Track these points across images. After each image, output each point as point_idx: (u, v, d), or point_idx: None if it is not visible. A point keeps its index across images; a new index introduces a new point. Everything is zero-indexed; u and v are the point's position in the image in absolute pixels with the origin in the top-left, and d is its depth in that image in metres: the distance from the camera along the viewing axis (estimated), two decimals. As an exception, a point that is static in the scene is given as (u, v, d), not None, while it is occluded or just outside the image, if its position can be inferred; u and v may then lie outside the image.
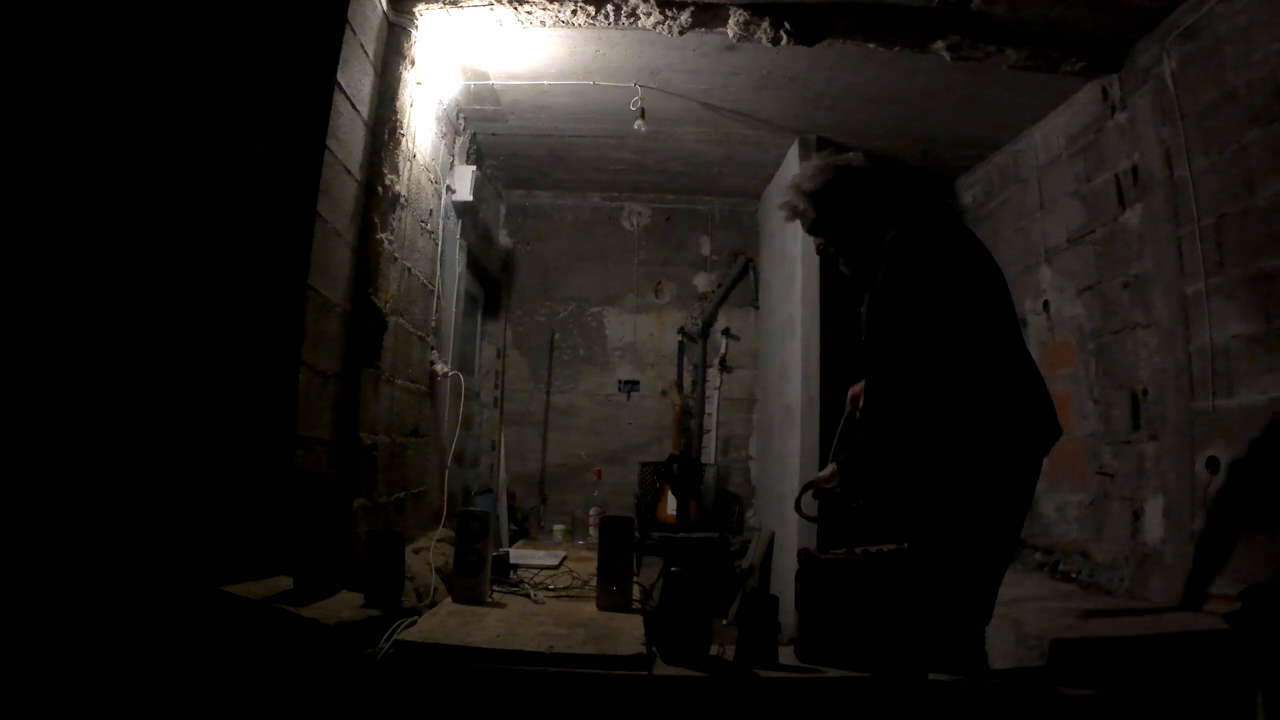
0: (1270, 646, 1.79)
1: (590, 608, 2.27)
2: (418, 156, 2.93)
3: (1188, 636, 2.23)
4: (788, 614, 2.22)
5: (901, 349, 1.84)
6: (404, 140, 2.69)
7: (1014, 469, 1.88)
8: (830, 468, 2.04)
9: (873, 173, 2.09)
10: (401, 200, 2.71)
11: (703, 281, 4.96)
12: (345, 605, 1.87)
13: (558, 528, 4.31)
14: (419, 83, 2.80)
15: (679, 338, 4.83)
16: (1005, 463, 1.86)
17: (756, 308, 4.88)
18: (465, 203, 3.56)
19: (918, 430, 1.85)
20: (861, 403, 2.21)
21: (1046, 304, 3.55)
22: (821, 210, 2.08)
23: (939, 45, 2.83)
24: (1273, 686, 1.71)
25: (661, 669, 1.78)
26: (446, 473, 3.20)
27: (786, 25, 2.75)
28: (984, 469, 1.84)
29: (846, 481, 1.98)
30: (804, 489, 2.15)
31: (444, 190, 3.41)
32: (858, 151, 2.16)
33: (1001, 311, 1.95)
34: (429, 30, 2.73)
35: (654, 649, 1.88)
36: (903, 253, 1.91)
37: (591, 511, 4.20)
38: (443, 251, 3.35)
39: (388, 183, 2.54)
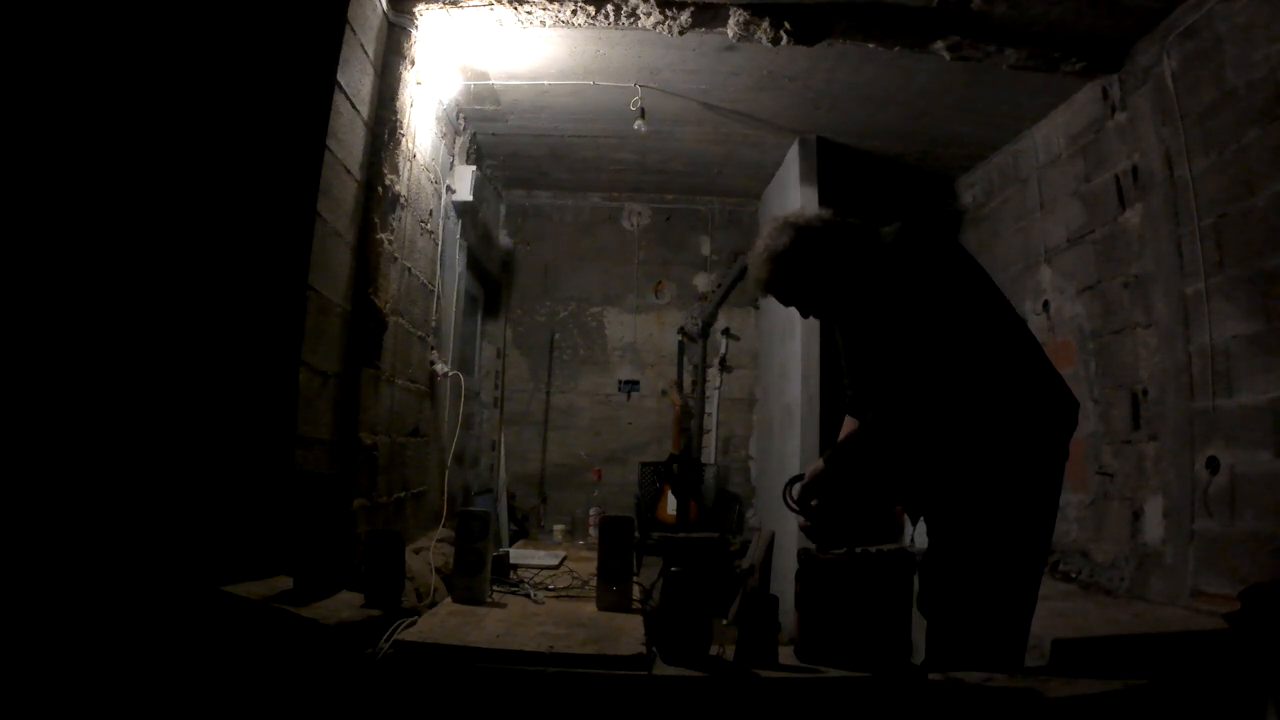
0: (1270, 646, 1.79)
1: (590, 608, 2.27)
2: (418, 156, 2.93)
3: (1188, 636, 2.23)
4: (788, 614, 2.22)
5: (928, 341, 1.82)
6: (404, 140, 2.69)
7: (1051, 452, 1.87)
8: (817, 463, 2.04)
9: (832, 229, 1.96)
10: (401, 200, 2.71)
11: (703, 281, 4.96)
12: (345, 605, 1.87)
13: (558, 528, 4.31)
14: (419, 83, 2.81)
15: (679, 338, 4.83)
16: (1043, 446, 1.85)
17: (756, 308, 4.88)
18: (465, 203, 3.56)
19: (942, 420, 1.83)
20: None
21: (1046, 304, 3.55)
22: (794, 289, 2.00)
23: (939, 45, 2.83)
24: (1275, 686, 1.71)
25: (661, 669, 1.78)
26: (446, 473, 3.20)
27: (786, 25, 2.75)
28: (1025, 453, 1.82)
29: (836, 477, 1.98)
30: (804, 499, 2.12)
31: (444, 190, 3.41)
32: (818, 212, 2.04)
33: (1005, 304, 1.95)
34: (429, 30, 2.73)
35: (654, 649, 1.88)
36: (907, 251, 1.90)
37: (591, 511, 4.20)
38: (443, 251, 3.35)
39: (388, 183, 2.54)
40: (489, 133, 3.97)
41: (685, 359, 4.81)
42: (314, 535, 1.93)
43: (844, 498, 2.03)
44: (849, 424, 2.18)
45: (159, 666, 1.56)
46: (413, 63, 2.69)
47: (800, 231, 1.94)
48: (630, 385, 4.91)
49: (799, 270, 1.94)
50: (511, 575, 2.61)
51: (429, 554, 2.52)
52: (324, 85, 2.16)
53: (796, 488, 2.09)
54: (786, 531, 3.28)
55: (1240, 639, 1.91)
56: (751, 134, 3.90)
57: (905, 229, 1.93)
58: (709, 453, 4.74)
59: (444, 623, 1.96)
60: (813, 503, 2.05)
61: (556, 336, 4.94)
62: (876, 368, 1.97)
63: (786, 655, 1.94)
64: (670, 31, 2.75)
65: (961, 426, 1.84)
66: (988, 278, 1.94)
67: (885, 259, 1.89)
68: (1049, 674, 1.94)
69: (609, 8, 2.70)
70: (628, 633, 1.97)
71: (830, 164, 3.88)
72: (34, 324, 1.88)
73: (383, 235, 2.52)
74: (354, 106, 2.33)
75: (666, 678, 1.74)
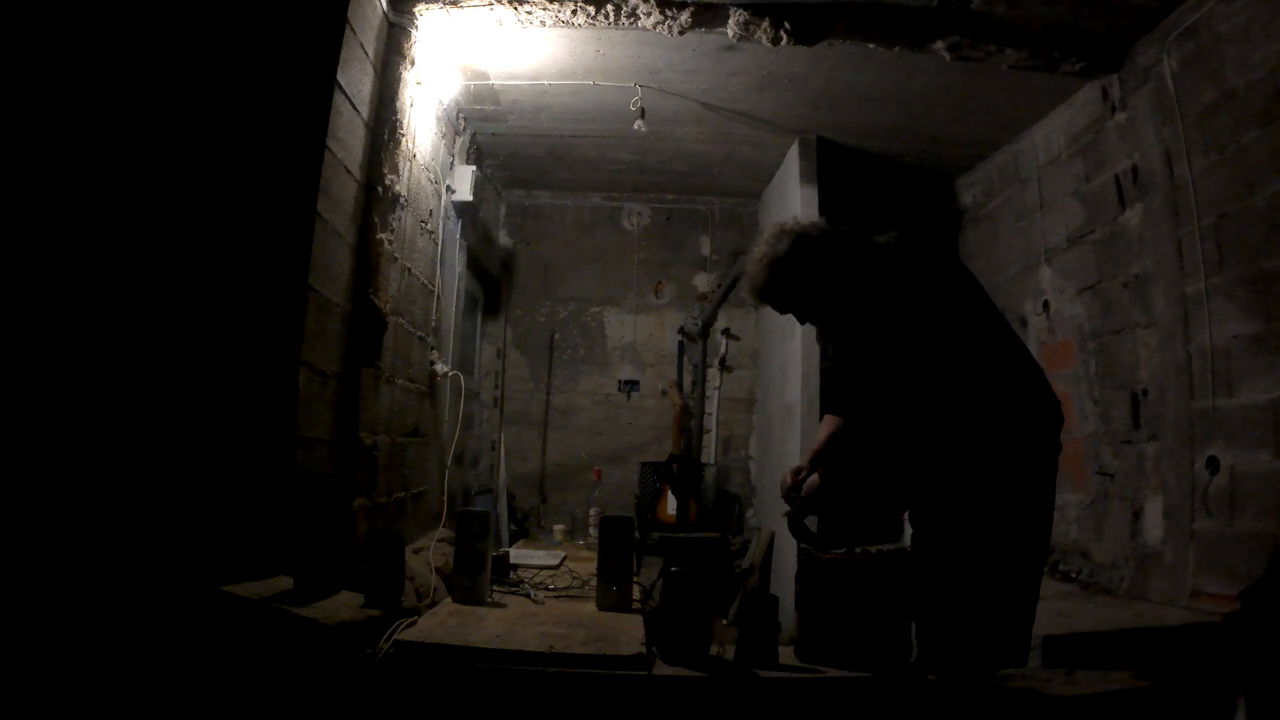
0: (1269, 645, 1.79)
1: (590, 608, 2.27)
2: (418, 156, 2.93)
3: (1181, 630, 2.24)
4: (788, 614, 2.22)
5: (923, 348, 1.82)
6: (404, 140, 2.69)
7: (1043, 456, 1.88)
8: (814, 476, 2.04)
9: (829, 237, 1.94)
10: (401, 200, 2.71)
11: (703, 281, 4.96)
12: (345, 605, 1.87)
13: (558, 528, 4.31)
14: (419, 83, 2.80)
15: (679, 338, 4.82)
16: (1035, 450, 1.85)
17: (756, 308, 4.88)
18: (465, 203, 3.56)
19: (933, 425, 1.84)
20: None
21: (1046, 304, 3.55)
22: (791, 296, 1.97)
23: (939, 45, 2.83)
24: (1269, 683, 1.71)
25: (661, 669, 1.78)
26: (446, 473, 3.20)
27: (786, 25, 2.75)
28: (1016, 458, 1.82)
29: (831, 485, 1.98)
30: (799, 510, 2.12)
31: (444, 190, 3.41)
32: (814, 221, 2.02)
33: (995, 311, 1.95)
34: (429, 30, 2.73)
35: (654, 649, 1.88)
36: (904, 260, 1.90)
37: (591, 511, 4.20)
38: (443, 251, 3.35)
39: (388, 183, 2.54)
40: (489, 133, 3.97)
41: (685, 359, 4.81)
42: (314, 535, 1.93)
43: (843, 503, 2.04)
44: (829, 422, 2.17)
45: (160, 666, 1.56)
46: (413, 63, 2.68)
47: (798, 239, 1.92)
48: (630, 385, 4.91)
49: (797, 277, 1.92)
50: (511, 575, 2.61)
51: (429, 554, 2.52)
52: (324, 85, 2.16)
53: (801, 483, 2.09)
54: (786, 532, 3.27)
55: (1233, 636, 1.92)
56: (751, 134, 3.89)
57: (902, 237, 1.93)
58: (709, 453, 4.74)
59: (444, 623, 1.97)
60: (806, 521, 2.06)
61: (556, 336, 4.94)
62: (871, 373, 1.97)
63: (786, 655, 1.94)
64: (670, 31, 2.75)
65: (954, 430, 1.84)
66: (979, 286, 1.94)
67: (882, 267, 1.89)
68: (1047, 671, 1.94)
69: (609, 8, 2.70)
70: (628, 633, 1.97)
71: (830, 164, 3.88)
72: (36, 325, 1.88)
73: (383, 235, 2.52)
74: (354, 106, 2.33)
75: (666, 678, 1.74)
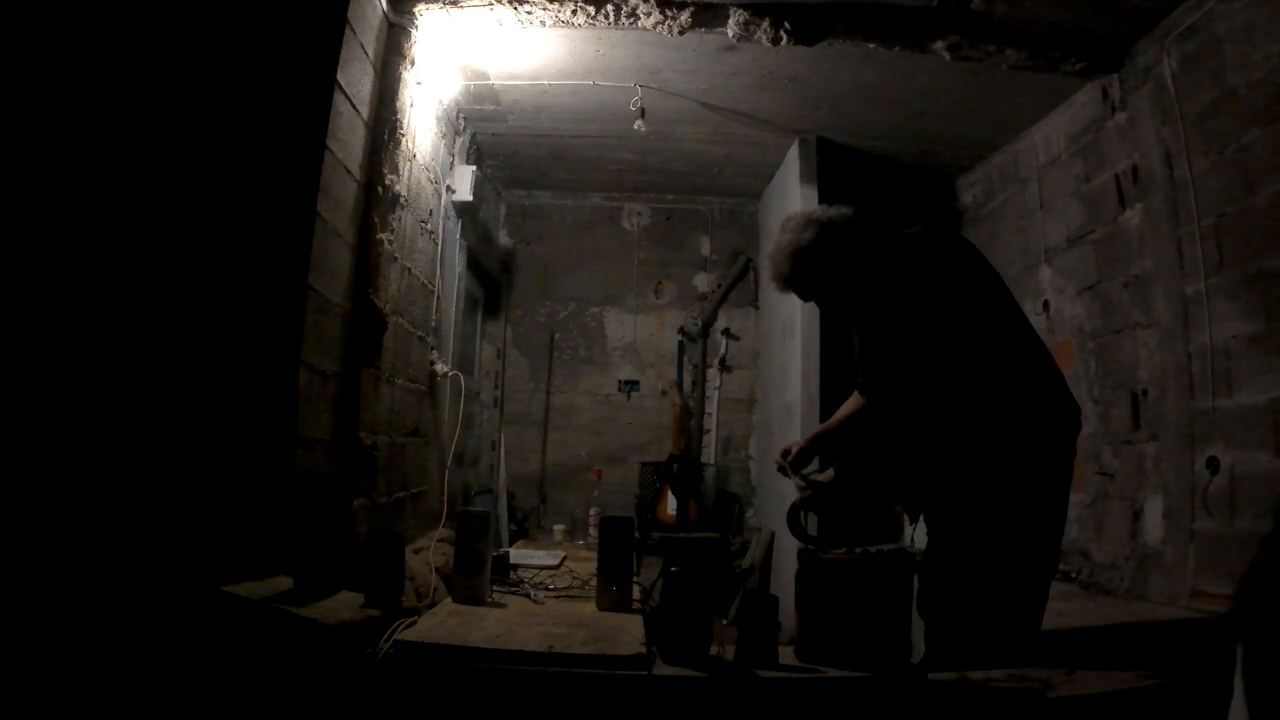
0: (1268, 644, 1.79)
1: (590, 608, 2.27)
2: (418, 156, 2.93)
3: (1180, 629, 2.24)
4: (788, 614, 2.22)
5: (949, 340, 1.81)
6: (404, 140, 2.69)
7: (1057, 455, 1.87)
8: (828, 471, 2.04)
9: (855, 224, 1.95)
10: (401, 200, 2.71)
11: (703, 281, 4.96)
12: (345, 605, 1.87)
13: (558, 528, 4.31)
14: (419, 83, 2.81)
15: (679, 338, 4.83)
16: (1053, 454, 1.85)
17: (756, 308, 4.89)
18: (465, 203, 3.56)
19: (953, 422, 1.83)
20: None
21: (1046, 304, 3.55)
22: (817, 284, 1.97)
23: (939, 45, 2.83)
24: (1268, 682, 1.71)
25: (661, 669, 1.78)
26: (446, 473, 3.20)
27: (786, 25, 2.75)
28: (1035, 461, 1.82)
29: (845, 479, 1.98)
30: (802, 505, 2.13)
31: (444, 190, 3.41)
32: (840, 207, 2.00)
33: (1019, 311, 1.95)
34: (429, 30, 2.73)
35: (654, 649, 1.88)
36: (934, 252, 1.89)
37: (591, 511, 4.20)
38: (443, 251, 3.35)
39: (388, 183, 2.54)
40: (489, 133, 3.97)
41: (685, 359, 4.81)
42: (314, 535, 1.93)
43: (850, 496, 2.04)
44: (855, 399, 2.19)
45: (159, 666, 1.56)
46: (413, 63, 2.69)
47: (825, 227, 1.92)
48: (630, 385, 4.91)
49: (824, 266, 1.92)
50: (511, 575, 2.61)
51: (429, 554, 2.52)
52: (324, 85, 2.16)
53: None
54: (786, 532, 3.27)
55: (1232, 636, 1.92)
56: (751, 134, 3.89)
57: (931, 230, 1.93)
58: (709, 453, 4.74)
59: (444, 623, 1.97)
60: (804, 520, 2.07)
61: (556, 336, 4.94)
62: (896, 364, 1.96)
63: (786, 655, 1.94)
64: (670, 31, 2.75)
65: (974, 429, 1.84)
66: (1003, 282, 1.94)
67: (911, 258, 1.88)
68: (1046, 671, 1.94)
69: (609, 8, 2.70)
70: (628, 633, 1.97)
71: (830, 164, 3.88)
72: (35, 325, 1.88)
73: (383, 235, 2.52)
74: (354, 106, 2.33)
75: (666, 678, 1.74)
